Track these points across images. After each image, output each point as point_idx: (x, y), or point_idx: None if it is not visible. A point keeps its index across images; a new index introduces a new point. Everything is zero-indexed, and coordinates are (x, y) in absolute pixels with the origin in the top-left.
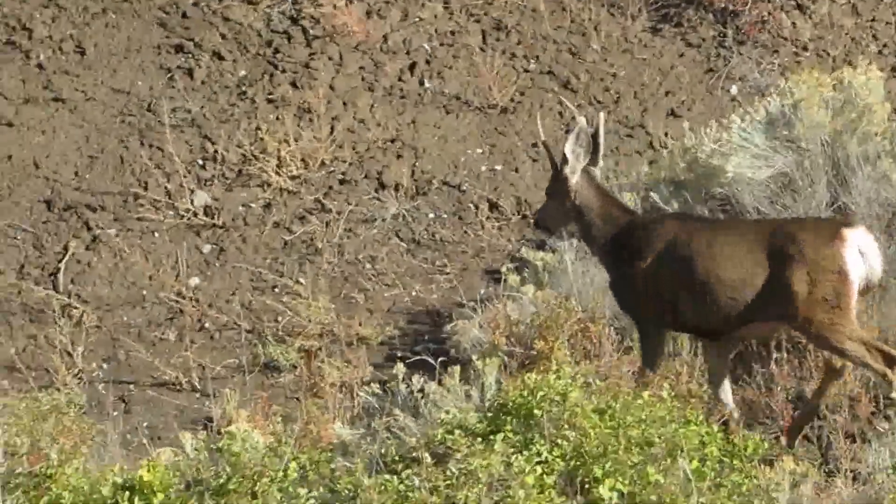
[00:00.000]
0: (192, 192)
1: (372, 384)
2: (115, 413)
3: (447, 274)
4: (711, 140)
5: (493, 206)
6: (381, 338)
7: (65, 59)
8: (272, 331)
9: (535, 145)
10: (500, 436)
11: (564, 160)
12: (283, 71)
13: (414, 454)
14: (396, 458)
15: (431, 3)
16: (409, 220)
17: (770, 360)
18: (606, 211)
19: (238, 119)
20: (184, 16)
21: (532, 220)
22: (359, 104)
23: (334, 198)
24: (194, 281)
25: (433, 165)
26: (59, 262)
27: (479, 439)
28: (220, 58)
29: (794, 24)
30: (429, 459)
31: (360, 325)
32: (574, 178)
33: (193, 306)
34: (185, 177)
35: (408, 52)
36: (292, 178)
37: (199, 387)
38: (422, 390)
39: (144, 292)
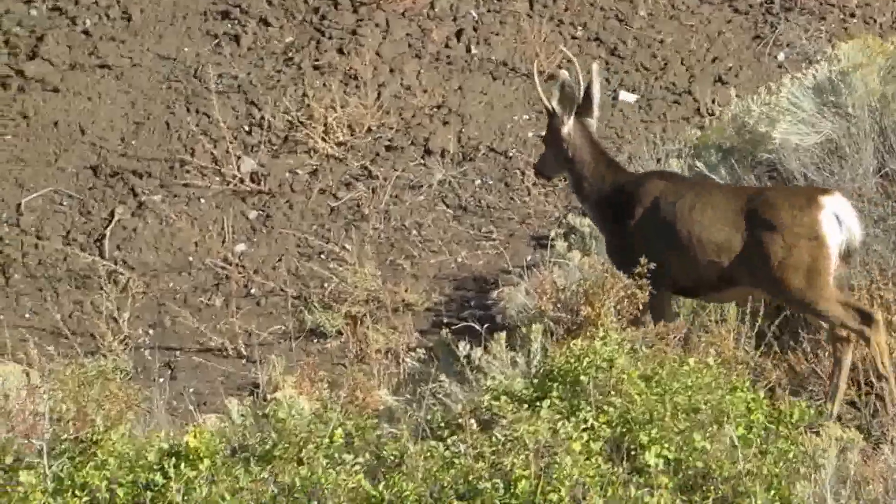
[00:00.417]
0: (239, 158)
1: (418, 350)
2: (161, 379)
3: (493, 240)
4: (758, 106)
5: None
6: (427, 304)
7: (111, 25)
8: (318, 297)
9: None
10: (546, 402)
11: (553, 113)
12: (330, 37)
13: (459, 420)
14: (442, 424)
15: None
16: (456, 187)
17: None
18: (596, 165)
19: (284, 85)
20: None
21: (532, 168)
22: (405, 70)
23: (380, 164)
24: (240, 247)
25: (479, 132)
26: (105, 228)
27: (525, 406)
28: (267, 24)
29: None
30: (474, 426)
31: (405, 291)
32: (565, 130)
33: (239, 272)
34: (231, 143)
35: (455, 19)
36: (339, 144)
37: (245, 353)
38: (468, 357)
39: (190, 258)
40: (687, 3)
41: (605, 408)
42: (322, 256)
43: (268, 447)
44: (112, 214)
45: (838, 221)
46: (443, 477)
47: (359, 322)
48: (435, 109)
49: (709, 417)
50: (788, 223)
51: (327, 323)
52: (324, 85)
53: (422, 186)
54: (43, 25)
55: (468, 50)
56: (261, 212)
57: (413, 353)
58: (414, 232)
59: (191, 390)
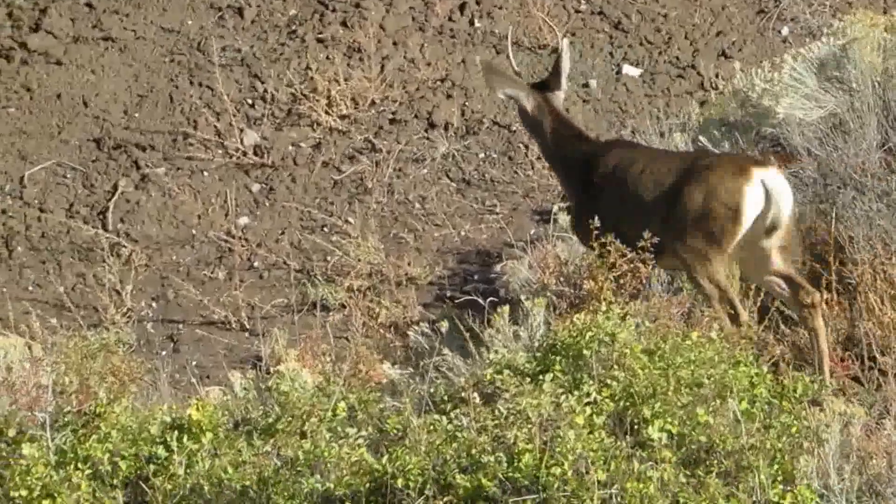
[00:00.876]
0: (242, 131)
1: (421, 324)
2: (164, 352)
3: (497, 214)
4: (762, 81)
5: None
6: (431, 278)
7: None
8: (321, 270)
9: (585, 85)
10: (549, 376)
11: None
12: (334, 10)
13: (462, 394)
14: (445, 398)
15: None
16: (459, 160)
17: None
18: (560, 135)
19: (288, 58)
20: None
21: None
22: (409, 44)
23: (384, 137)
24: (243, 220)
25: (483, 105)
26: (109, 200)
27: (528, 379)
28: None
29: None
30: (477, 399)
31: (409, 265)
32: (529, 105)
33: (243, 245)
34: (234, 116)
35: None
36: (342, 117)
37: (248, 326)
38: (470, 330)
39: (193, 231)
40: None
41: (609, 382)
42: (325, 230)
43: (270, 420)
44: (115, 187)
45: (766, 195)
46: (446, 450)
47: (362, 295)
48: (438, 83)
49: (712, 392)
50: (713, 185)
51: (330, 296)
52: (327, 58)
53: (425, 160)
54: None
55: (472, 23)
56: (264, 185)
57: (416, 327)
58: (417, 205)
59: (193, 363)
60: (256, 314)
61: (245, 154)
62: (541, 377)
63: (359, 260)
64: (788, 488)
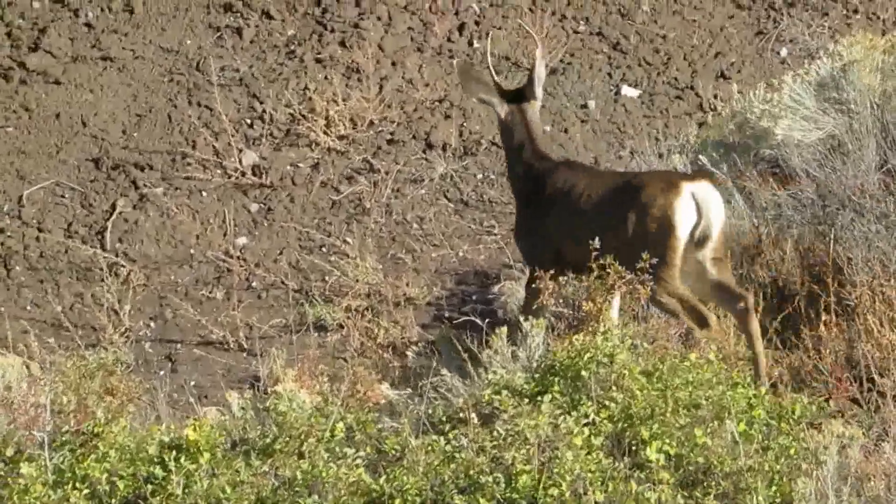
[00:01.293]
0: (241, 151)
1: (419, 344)
2: (162, 372)
3: (495, 235)
4: (761, 102)
5: None
6: (429, 298)
7: (113, 17)
8: (319, 290)
9: (583, 106)
10: (547, 397)
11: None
12: (332, 30)
13: (461, 415)
14: (443, 418)
15: None
16: (457, 181)
17: (818, 322)
18: (522, 149)
19: (286, 78)
20: None
21: None
22: (407, 64)
23: (382, 158)
24: (242, 240)
25: (481, 126)
26: (107, 220)
27: (527, 400)
28: (269, 17)
29: None
30: (476, 420)
31: (407, 285)
32: (502, 113)
33: (241, 265)
34: (233, 136)
35: (457, 13)
36: (340, 137)
37: (246, 346)
38: (469, 351)
39: (192, 251)
40: None
41: (607, 403)
42: (323, 250)
43: (268, 440)
44: (113, 207)
45: (696, 208)
46: (444, 471)
47: (360, 316)
48: (437, 103)
49: (710, 413)
50: (645, 203)
51: (328, 316)
52: (326, 78)
53: (423, 180)
54: (45, 18)
55: (470, 44)
56: (262, 205)
57: (414, 347)
58: (415, 226)
59: (192, 383)
60: (254, 334)
61: (243, 174)
62: (539, 398)
63: (357, 280)
64: None
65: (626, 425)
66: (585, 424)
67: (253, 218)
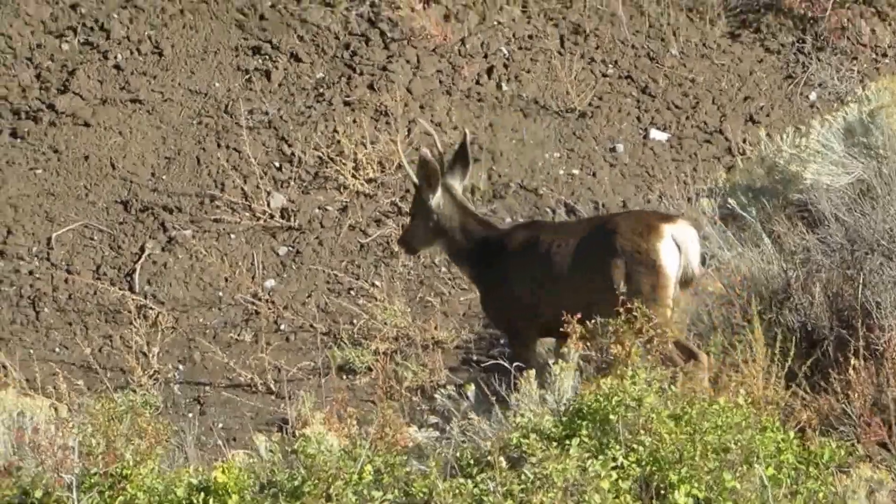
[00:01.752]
0: (269, 193)
1: (447, 387)
2: (191, 414)
3: None
4: (790, 146)
5: (571, 211)
6: (457, 341)
7: (142, 59)
8: (348, 333)
9: (612, 150)
10: (575, 440)
11: (419, 187)
12: (361, 73)
13: (489, 458)
14: (471, 461)
15: (509, 7)
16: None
17: (847, 366)
18: (467, 227)
19: (315, 121)
20: (261, 17)
21: (397, 242)
22: (436, 107)
23: (410, 201)
24: (270, 283)
25: (510, 169)
26: (136, 262)
27: (555, 444)
28: (298, 60)
29: (873, 30)
30: (504, 463)
31: (435, 328)
32: (433, 201)
33: (269, 308)
34: (261, 179)
35: (485, 56)
36: (369, 181)
37: (274, 389)
38: (497, 394)
39: (220, 294)
40: (718, 42)
41: (635, 446)
42: (352, 293)
43: (297, 483)
44: (142, 249)
45: (678, 249)
46: None
47: (388, 359)
48: None
49: (739, 457)
50: (629, 250)
51: (357, 359)
52: (354, 121)
53: None
54: (74, 59)
55: (499, 87)
56: (291, 248)
57: (442, 391)
58: (444, 269)
59: (220, 426)
60: (283, 377)
61: (272, 217)
62: (567, 441)
63: (385, 323)
64: None
65: (654, 469)
66: (613, 468)
67: (281, 260)
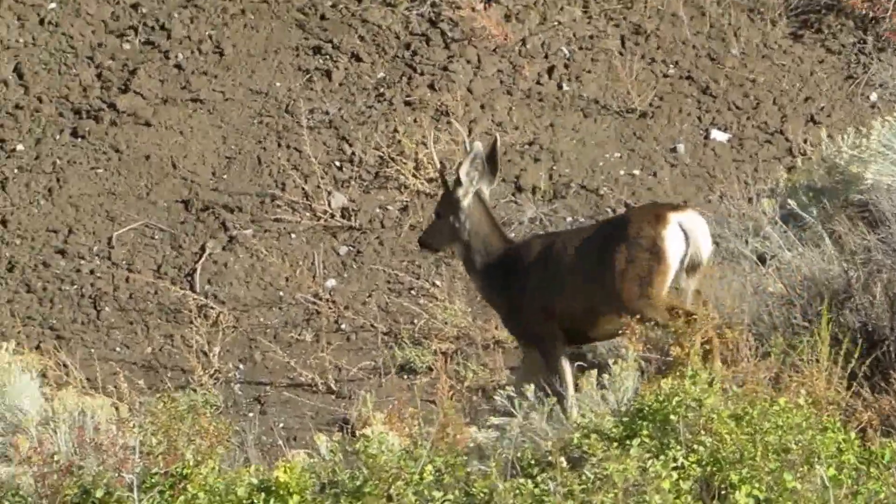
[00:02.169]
0: (330, 193)
1: (508, 387)
2: (251, 414)
3: None
4: (850, 147)
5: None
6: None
7: (203, 59)
8: (408, 333)
9: (673, 150)
10: (636, 441)
11: (458, 183)
12: (421, 73)
13: (549, 458)
14: (532, 461)
15: (570, 7)
16: (547, 224)
17: None
18: (490, 236)
19: (375, 121)
20: (322, 17)
21: (417, 240)
22: (497, 107)
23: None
24: (331, 282)
25: (571, 169)
26: (196, 262)
27: (615, 444)
28: (359, 59)
29: None
30: (564, 463)
31: (496, 328)
32: (466, 201)
33: (330, 308)
34: (322, 178)
35: (546, 56)
36: (429, 180)
37: (335, 388)
38: (557, 394)
39: (281, 293)
40: (779, 43)
41: (695, 447)
42: (412, 292)
43: (357, 483)
44: (203, 248)
45: (685, 237)
46: None
47: (449, 358)
48: (526, 146)
49: (799, 457)
50: (633, 236)
51: (417, 359)
52: (415, 121)
53: (513, 223)
54: (136, 59)
55: (559, 87)
56: (351, 247)
57: (503, 391)
58: None
59: (280, 425)
60: (343, 376)
61: (332, 216)
62: (628, 442)
63: (446, 323)
64: None
65: (714, 469)
66: (674, 468)
67: (342, 260)
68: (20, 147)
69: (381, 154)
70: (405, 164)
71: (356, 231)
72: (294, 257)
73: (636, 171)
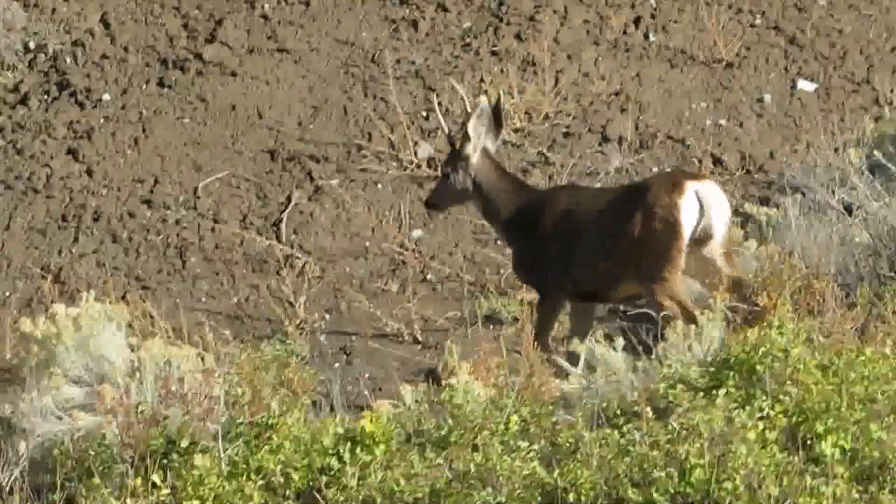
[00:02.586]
0: (416, 143)
1: (594, 337)
2: (337, 364)
3: None
4: None
5: (717, 161)
6: None
7: (289, 9)
8: (494, 283)
9: (759, 100)
10: (721, 391)
11: (466, 138)
12: (508, 23)
13: (635, 408)
14: (617, 411)
15: None
16: (633, 174)
17: None
18: (505, 188)
19: (462, 71)
20: None
21: (424, 202)
22: (583, 57)
23: (557, 151)
24: (417, 233)
25: (657, 119)
26: (282, 212)
27: (701, 394)
28: (445, 9)
29: None
30: (650, 413)
31: None
32: (475, 157)
33: (416, 258)
34: (408, 128)
35: (633, 6)
36: (516, 130)
37: (420, 338)
38: (644, 344)
39: (367, 244)
40: None
41: (781, 397)
42: (498, 243)
43: (443, 433)
44: (289, 199)
45: (700, 206)
46: (618, 465)
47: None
48: (612, 96)
49: (885, 408)
50: (650, 202)
51: (503, 309)
52: (501, 71)
53: (599, 173)
54: (221, 9)
55: (646, 37)
56: None
57: (589, 340)
58: None
59: (366, 375)
60: (429, 327)
61: (419, 166)
62: (713, 392)
63: None
64: None
65: (800, 419)
66: (760, 419)
67: (428, 210)
68: (106, 97)
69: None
70: None
71: None
72: (380, 207)
73: (722, 122)
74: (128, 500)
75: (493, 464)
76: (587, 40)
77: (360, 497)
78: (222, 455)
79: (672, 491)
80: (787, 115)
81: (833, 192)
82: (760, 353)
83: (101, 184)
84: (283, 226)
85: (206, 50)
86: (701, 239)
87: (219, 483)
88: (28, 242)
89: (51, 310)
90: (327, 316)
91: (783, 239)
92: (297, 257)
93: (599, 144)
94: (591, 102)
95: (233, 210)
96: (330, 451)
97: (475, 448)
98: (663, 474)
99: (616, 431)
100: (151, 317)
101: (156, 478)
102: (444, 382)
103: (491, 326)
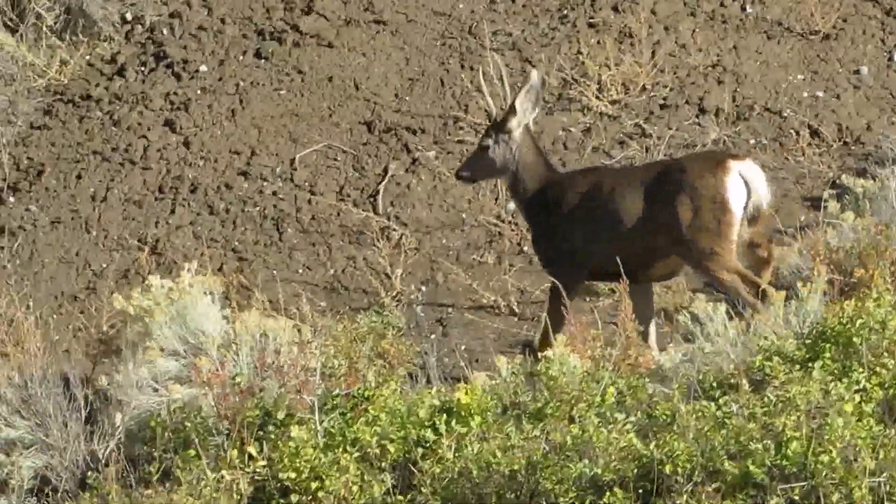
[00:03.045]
0: None
1: (691, 309)
2: (433, 336)
3: None
4: None
5: (815, 133)
6: None
7: None
8: None
9: (856, 72)
10: (818, 363)
11: (512, 112)
12: None
13: (732, 380)
14: (714, 384)
15: None
16: (730, 146)
17: None
18: (537, 166)
19: (559, 43)
20: None
21: (454, 173)
22: (680, 29)
23: (654, 123)
24: (513, 205)
25: (754, 91)
26: (379, 184)
27: (798, 366)
28: None
29: None
30: (746, 386)
31: None
32: (518, 132)
33: (512, 230)
34: (504, 100)
35: None
36: (612, 102)
37: (517, 310)
38: (741, 315)
39: (463, 215)
40: None
41: (878, 369)
42: None
43: (539, 405)
44: (385, 170)
45: (745, 185)
46: (714, 437)
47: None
48: (710, 68)
49: None
50: (696, 185)
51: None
52: (598, 43)
53: (696, 145)
54: None
55: (743, 9)
56: None
57: (686, 312)
58: None
59: (462, 347)
60: (526, 299)
61: None
62: (810, 364)
63: None
64: None
65: None
66: (856, 391)
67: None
68: (203, 68)
69: (564, 76)
70: (588, 85)
71: None
72: None
73: (819, 94)
74: (224, 472)
75: (590, 436)
76: (684, 12)
77: (456, 469)
78: (318, 427)
79: (768, 463)
80: (883, 86)
81: None
82: (857, 325)
83: (198, 155)
84: (379, 197)
85: (303, 21)
86: (750, 219)
87: (315, 455)
88: (125, 214)
89: (146, 281)
90: (423, 287)
91: (880, 211)
92: (394, 229)
93: (696, 116)
94: (688, 74)
95: (329, 182)
96: (426, 423)
97: (571, 420)
98: (760, 447)
99: (713, 404)
100: (248, 288)
101: (252, 449)
102: (540, 354)
103: (587, 298)
